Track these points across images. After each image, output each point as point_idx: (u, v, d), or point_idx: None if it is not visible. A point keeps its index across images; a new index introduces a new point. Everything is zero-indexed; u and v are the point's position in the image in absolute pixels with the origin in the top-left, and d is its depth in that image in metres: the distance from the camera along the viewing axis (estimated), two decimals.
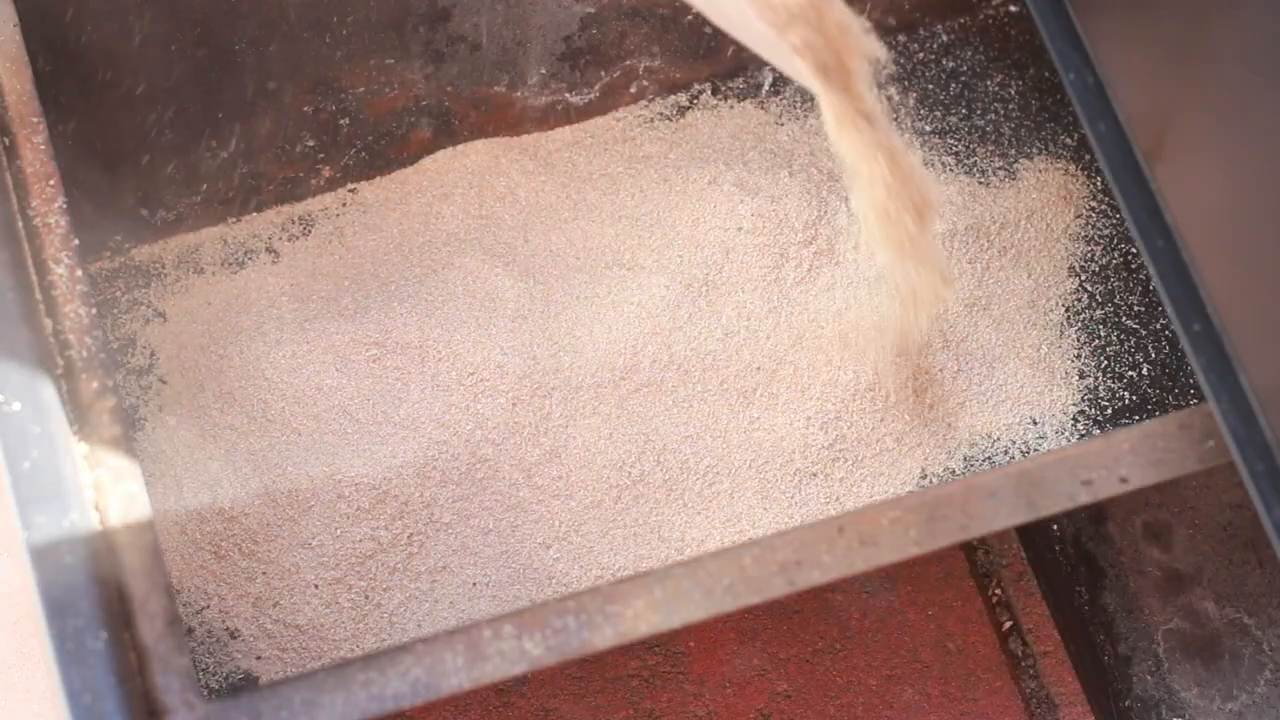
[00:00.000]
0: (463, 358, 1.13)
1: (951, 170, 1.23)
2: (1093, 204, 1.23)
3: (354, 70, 1.17)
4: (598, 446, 1.12)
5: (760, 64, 1.25)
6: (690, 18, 1.21)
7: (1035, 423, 1.16)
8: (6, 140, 0.95)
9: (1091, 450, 0.90)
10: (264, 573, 1.09)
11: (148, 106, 1.14)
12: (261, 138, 1.18)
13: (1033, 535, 1.21)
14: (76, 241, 0.92)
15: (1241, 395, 0.86)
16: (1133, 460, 0.90)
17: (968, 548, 1.23)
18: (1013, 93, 1.26)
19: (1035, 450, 1.15)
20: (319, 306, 1.16)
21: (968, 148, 1.24)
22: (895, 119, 1.24)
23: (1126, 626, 1.15)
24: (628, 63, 1.23)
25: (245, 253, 1.18)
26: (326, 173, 1.21)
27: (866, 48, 0.95)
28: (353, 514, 1.10)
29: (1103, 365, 1.18)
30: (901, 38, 1.27)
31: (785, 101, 1.25)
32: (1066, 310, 1.19)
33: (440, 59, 1.18)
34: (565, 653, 0.85)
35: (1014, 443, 1.15)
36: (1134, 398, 1.17)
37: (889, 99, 1.25)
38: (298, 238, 1.19)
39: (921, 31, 1.27)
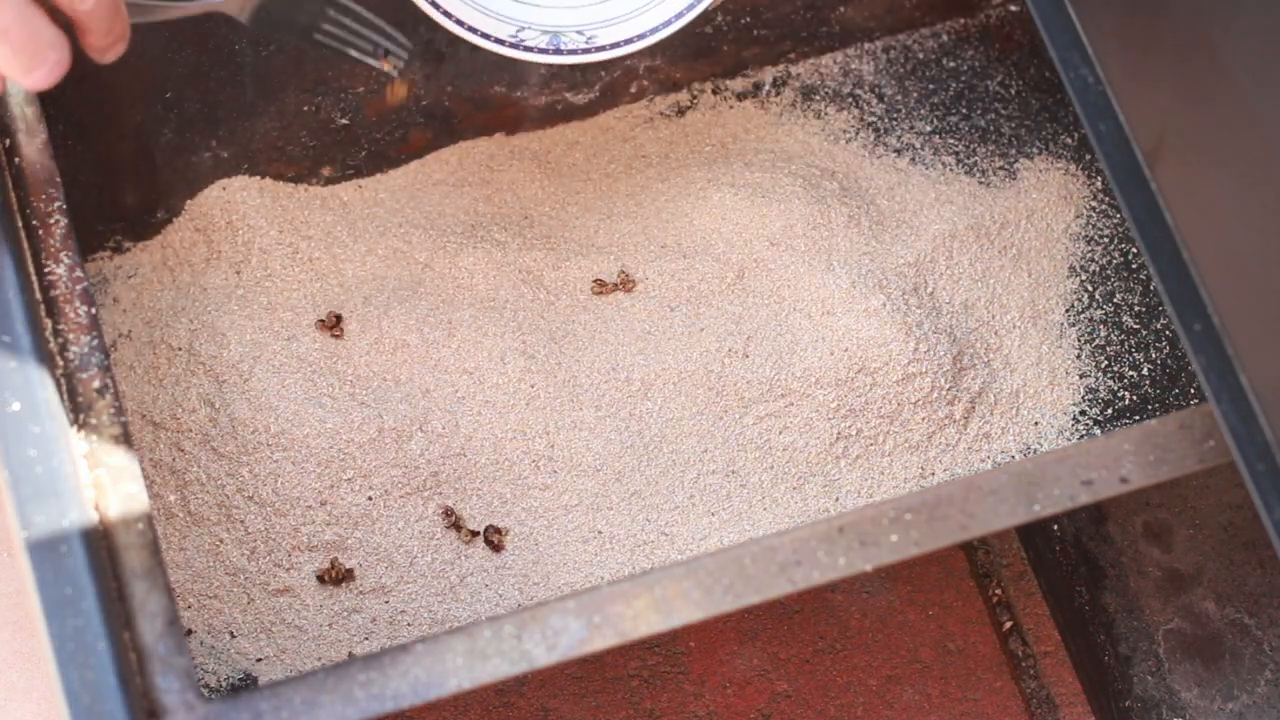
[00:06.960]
0: (462, 358, 1.13)
1: (952, 170, 1.23)
2: (1093, 204, 1.23)
3: (354, 70, 1.17)
4: (597, 446, 1.12)
5: (760, 64, 1.25)
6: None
7: (1035, 423, 1.16)
8: (6, 140, 0.94)
9: (1091, 450, 0.90)
10: (263, 573, 1.09)
11: (147, 106, 1.14)
12: (261, 138, 1.18)
13: (1033, 535, 1.21)
14: (76, 241, 0.91)
15: (1241, 395, 0.86)
16: (1133, 460, 0.90)
17: (968, 548, 1.23)
18: (1013, 93, 1.26)
19: (1035, 450, 1.15)
20: (320, 306, 1.16)
21: (968, 148, 1.24)
22: (893, 119, 1.24)
23: (1127, 626, 1.15)
24: (628, 63, 1.23)
25: (246, 253, 1.18)
26: (326, 172, 1.21)
27: None
28: (352, 514, 1.10)
29: (1103, 365, 1.18)
30: (901, 38, 1.27)
31: (785, 101, 1.25)
32: (1066, 310, 1.19)
33: (440, 59, 1.18)
34: (565, 653, 0.85)
35: (1014, 443, 1.15)
36: (1134, 398, 1.17)
37: (887, 97, 1.25)
38: (299, 238, 1.19)
39: (922, 31, 1.27)
